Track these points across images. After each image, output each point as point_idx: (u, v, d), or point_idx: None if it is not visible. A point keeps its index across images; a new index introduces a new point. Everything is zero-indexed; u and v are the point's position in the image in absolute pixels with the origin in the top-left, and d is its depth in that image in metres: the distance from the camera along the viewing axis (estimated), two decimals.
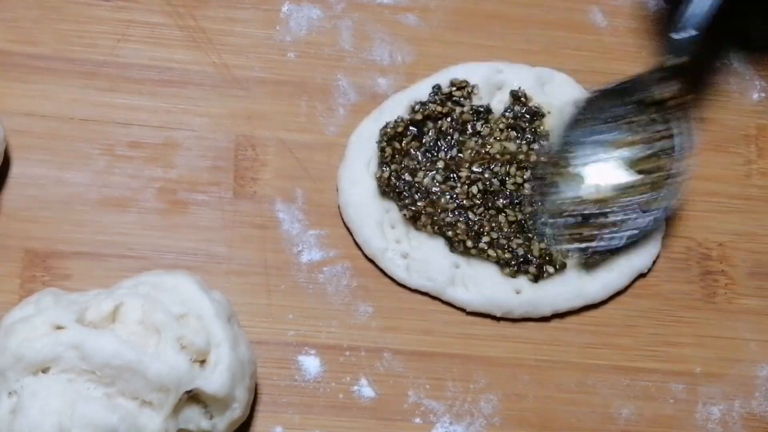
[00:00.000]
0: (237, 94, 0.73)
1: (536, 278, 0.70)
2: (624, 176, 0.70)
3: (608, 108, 0.71)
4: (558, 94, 0.75)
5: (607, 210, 0.70)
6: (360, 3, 0.76)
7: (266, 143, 0.72)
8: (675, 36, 0.69)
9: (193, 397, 0.60)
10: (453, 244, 0.69)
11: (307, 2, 0.76)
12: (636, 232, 0.70)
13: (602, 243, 0.70)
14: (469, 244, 0.69)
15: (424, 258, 0.70)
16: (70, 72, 0.72)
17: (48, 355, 0.58)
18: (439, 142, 0.72)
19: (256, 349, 0.66)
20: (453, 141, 0.72)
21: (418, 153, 0.72)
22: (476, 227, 0.69)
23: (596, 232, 0.70)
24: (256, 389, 0.65)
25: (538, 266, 0.70)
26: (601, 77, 0.76)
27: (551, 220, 0.70)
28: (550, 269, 0.70)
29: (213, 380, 0.60)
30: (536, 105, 0.73)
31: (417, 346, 0.69)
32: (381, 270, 0.70)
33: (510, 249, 0.70)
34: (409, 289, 0.70)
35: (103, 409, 0.57)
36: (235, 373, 0.61)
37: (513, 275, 0.69)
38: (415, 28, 0.76)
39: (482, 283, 0.69)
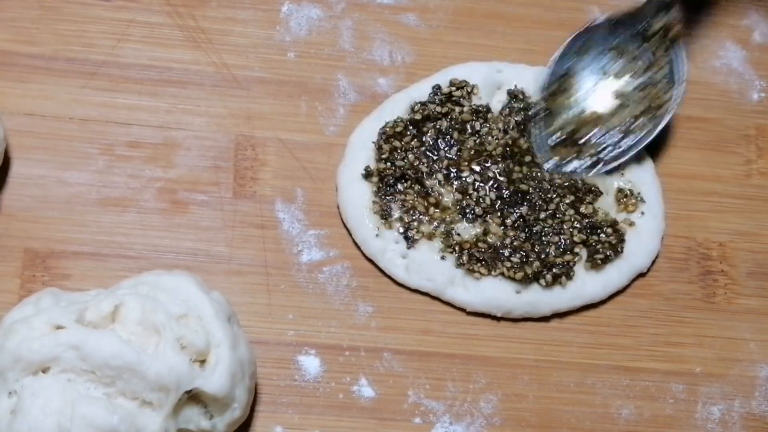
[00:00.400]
0: (237, 94, 0.73)
1: (547, 285, 0.70)
2: (618, 101, 0.72)
3: (604, 39, 0.73)
4: None
5: (603, 130, 0.72)
6: (360, 3, 0.76)
7: (266, 143, 0.72)
8: None
9: (193, 397, 0.60)
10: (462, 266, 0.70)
11: (307, 2, 0.76)
12: (626, 150, 0.72)
13: (601, 158, 0.72)
14: (483, 271, 0.70)
15: (423, 258, 0.70)
16: (70, 72, 0.72)
17: (48, 355, 0.58)
18: (438, 142, 0.72)
19: (256, 349, 0.66)
20: (452, 141, 0.72)
21: (417, 152, 0.72)
22: (488, 253, 0.70)
23: (592, 151, 0.72)
24: (256, 389, 0.65)
25: (553, 276, 0.70)
26: None
27: (549, 139, 0.71)
28: (563, 279, 0.70)
29: (213, 380, 0.60)
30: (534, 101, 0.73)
31: (417, 346, 0.69)
32: (381, 270, 0.70)
33: (522, 268, 0.70)
34: (409, 289, 0.70)
35: (103, 409, 0.57)
36: (235, 374, 0.61)
37: (525, 286, 0.70)
38: (415, 28, 0.76)
39: (482, 284, 0.69)
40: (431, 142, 0.72)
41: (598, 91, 0.73)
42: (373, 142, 0.72)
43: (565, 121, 0.72)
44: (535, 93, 0.73)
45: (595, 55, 0.73)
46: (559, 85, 0.72)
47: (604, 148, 0.72)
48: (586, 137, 0.72)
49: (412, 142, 0.72)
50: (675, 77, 0.73)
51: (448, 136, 0.72)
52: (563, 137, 0.72)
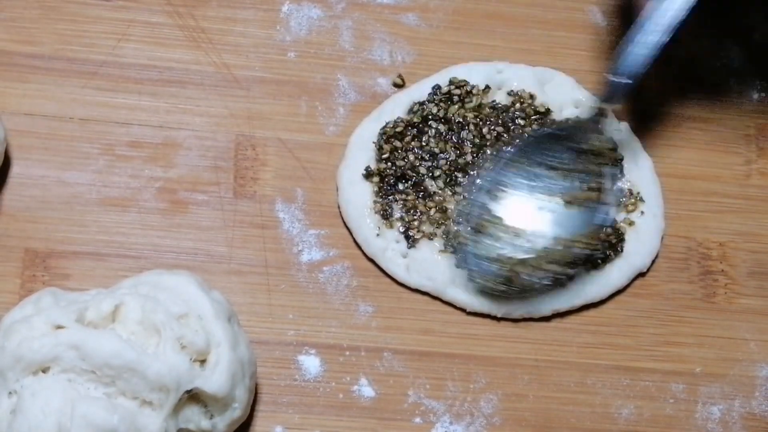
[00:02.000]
0: (237, 94, 0.73)
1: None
2: (553, 231, 0.68)
3: (542, 151, 0.70)
4: (558, 94, 0.75)
5: (534, 266, 0.68)
6: (360, 3, 0.76)
7: (266, 143, 0.72)
8: (611, 78, 0.68)
9: (193, 396, 0.60)
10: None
11: (307, 2, 0.76)
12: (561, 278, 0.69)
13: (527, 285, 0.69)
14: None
15: (424, 258, 0.70)
16: (70, 72, 0.72)
17: (48, 354, 0.58)
18: (439, 142, 0.72)
19: (256, 348, 0.66)
20: (453, 140, 0.72)
21: (417, 152, 0.72)
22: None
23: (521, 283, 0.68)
24: (256, 389, 0.65)
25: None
26: (601, 77, 0.76)
27: (481, 268, 0.68)
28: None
29: (213, 380, 0.60)
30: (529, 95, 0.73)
31: (417, 345, 0.69)
32: (381, 270, 0.70)
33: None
34: (409, 288, 0.70)
35: (103, 408, 0.57)
36: (235, 373, 0.61)
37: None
38: (415, 28, 0.76)
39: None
40: (432, 142, 0.72)
41: (532, 209, 0.69)
42: (373, 143, 0.72)
43: (504, 259, 0.68)
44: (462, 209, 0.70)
45: (524, 171, 0.69)
46: (485, 205, 0.69)
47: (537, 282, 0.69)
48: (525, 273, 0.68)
49: (413, 143, 0.72)
50: (609, 199, 0.69)
51: (449, 136, 0.72)
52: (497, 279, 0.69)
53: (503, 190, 0.69)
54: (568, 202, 0.69)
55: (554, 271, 0.68)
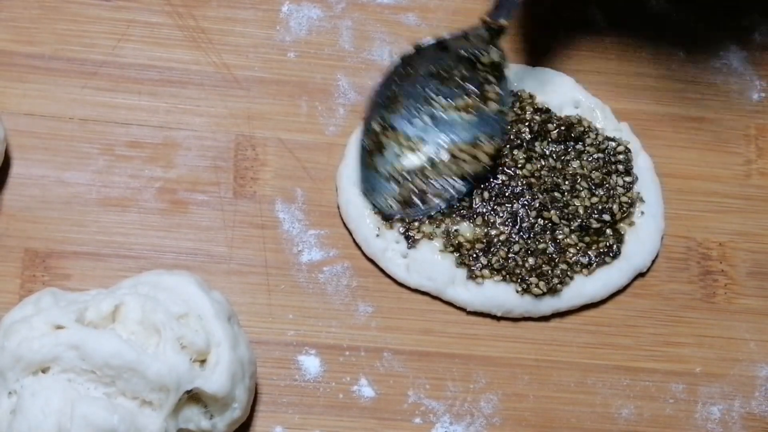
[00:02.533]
0: (237, 94, 0.73)
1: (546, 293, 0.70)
2: (447, 142, 0.71)
3: (430, 63, 0.71)
4: (558, 94, 0.75)
5: (432, 178, 0.70)
6: (360, 3, 0.76)
7: (266, 143, 0.72)
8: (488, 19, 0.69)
9: (193, 397, 0.60)
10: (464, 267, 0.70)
11: (307, 2, 0.76)
12: (455, 195, 0.71)
13: (424, 208, 0.70)
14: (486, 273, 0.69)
15: (424, 258, 0.70)
16: (70, 72, 0.72)
17: (48, 355, 0.58)
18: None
19: (256, 349, 0.66)
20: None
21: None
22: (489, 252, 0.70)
23: (420, 199, 0.70)
24: (256, 389, 0.65)
25: (554, 289, 0.70)
26: (601, 77, 0.76)
27: (379, 184, 0.70)
28: (559, 286, 0.70)
29: (213, 380, 0.60)
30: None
31: (417, 346, 0.69)
32: (381, 270, 0.70)
33: (521, 275, 0.70)
34: (409, 289, 0.70)
35: (103, 408, 0.57)
36: (235, 373, 0.61)
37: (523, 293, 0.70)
38: (415, 28, 0.76)
39: (482, 283, 0.69)
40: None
41: (426, 121, 0.71)
42: (360, 140, 0.72)
43: (395, 166, 0.71)
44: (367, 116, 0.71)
45: (420, 80, 0.71)
46: (382, 117, 0.71)
47: (438, 193, 0.71)
48: (421, 186, 0.70)
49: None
50: (502, 112, 0.71)
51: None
52: (398, 185, 0.70)
53: (398, 102, 0.71)
54: (459, 110, 0.70)
55: (447, 184, 0.70)
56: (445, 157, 0.70)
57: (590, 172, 0.73)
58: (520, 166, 0.72)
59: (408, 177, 0.70)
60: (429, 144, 0.71)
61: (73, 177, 0.70)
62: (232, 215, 0.70)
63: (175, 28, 0.74)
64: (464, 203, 0.71)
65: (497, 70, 0.70)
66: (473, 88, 0.71)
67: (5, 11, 0.72)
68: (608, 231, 0.71)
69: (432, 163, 0.70)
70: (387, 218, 0.70)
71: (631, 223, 0.72)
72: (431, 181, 0.70)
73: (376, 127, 0.70)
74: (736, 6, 0.80)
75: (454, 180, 0.70)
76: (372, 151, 0.70)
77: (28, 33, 0.72)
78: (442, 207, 0.70)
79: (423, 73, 0.71)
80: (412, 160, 0.71)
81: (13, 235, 0.68)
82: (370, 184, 0.70)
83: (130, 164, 0.71)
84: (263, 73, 0.74)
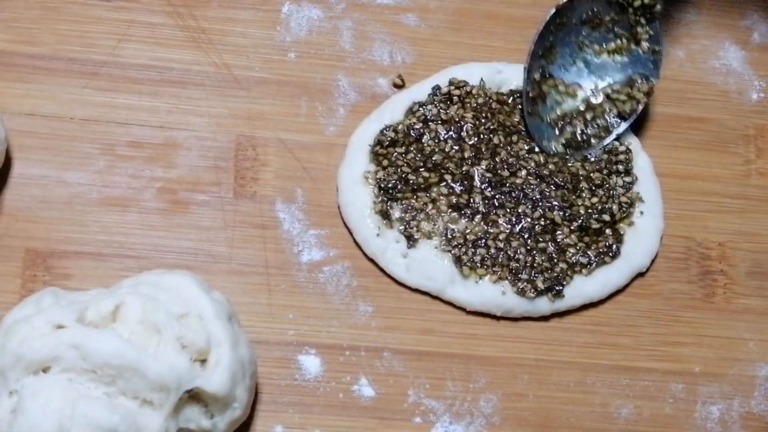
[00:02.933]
0: (237, 94, 0.73)
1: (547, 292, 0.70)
2: (602, 85, 0.74)
3: (582, 11, 0.73)
4: None
5: (591, 120, 0.74)
6: (360, 3, 0.77)
7: (266, 143, 0.72)
8: None
9: (193, 396, 0.60)
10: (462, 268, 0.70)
11: (307, 2, 0.76)
12: (614, 134, 0.74)
13: (587, 148, 0.73)
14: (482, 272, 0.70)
15: (424, 258, 0.70)
16: (71, 72, 0.72)
17: (48, 354, 0.58)
18: (438, 143, 0.72)
19: (256, 348, 0.66)
20: (452, 140, 0.72)
21: (417, 154, 0.72)
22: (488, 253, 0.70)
23: (583, 140, 0.74)
24: (256, 389, 0.66)
25: (552, 288, 0.70)
26: None
27: (548, 132, 0.73)
28: (559, 288, 0.70)
29: (213, 380, 0.60)
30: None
31: (417, 345, 0.69)
32: (381, 270, 0.70)
33: (521, 275, 0.70)
34: (409, 288, 0.70)
35: (103, 408, 0.57)
36: (236, 373, 0.61)
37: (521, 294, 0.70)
38: (415, 28, 0.76)
39: (482, 283, 0.70)
40: (432, 143, 0.72)
41: (580, 74, 0.74)
42: (369, 145, 0.72)
43: (557, 112, 0.74)
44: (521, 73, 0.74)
45: (573, 28, 0.74)
46: (541, 66, 0.74)
47: (605, 130, 0.74)
48: (580, 128, 0.74)
49: (412, 146, 0.72)
50: (656, 51, 0.74)
51: (449, 136, 0.72)
52: (560, 130, 0.74)
53: (554, 51, 0.74)
54: (610, 53, 0.74)
55: (606, 124, 0.73)
56: (601, 99, 0.74)
57: (591, 172, 0.73)
58: (521, 166, 0.72)
59: (569, 121, 0.73)
60: (585, 88, 0.74)
61: (73, 177, 0.70)
62: (232, 215, 0.70)
63: (176, 29, 0.74)
64: (463, 201, 0.71)
65: (649, 12, 0.73)
66: (623, 31, 0.73)
67: (6, 11, 0.73)
68: (608, 231, 0.72)
69: (590, 105, 0.73)
70: (386, 217, 0.70)
71: (631, 223, 0.73)
72: (591, 123, 0.73)
73: (537, 76, 0.73)
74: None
75: (613, 118, 0.73)
76: (535, 98, 0.73)
77: (29, 33, 0.72)
78: (604, 145, 0.73)
79: (575, 22, 0.73)
80: (571, 104, 0.74)
81: (14, 235, 0.68)
82: (536, 131, 0.73)
83: (131, 164, 0.71)
84: (264, 74, 0.74)
